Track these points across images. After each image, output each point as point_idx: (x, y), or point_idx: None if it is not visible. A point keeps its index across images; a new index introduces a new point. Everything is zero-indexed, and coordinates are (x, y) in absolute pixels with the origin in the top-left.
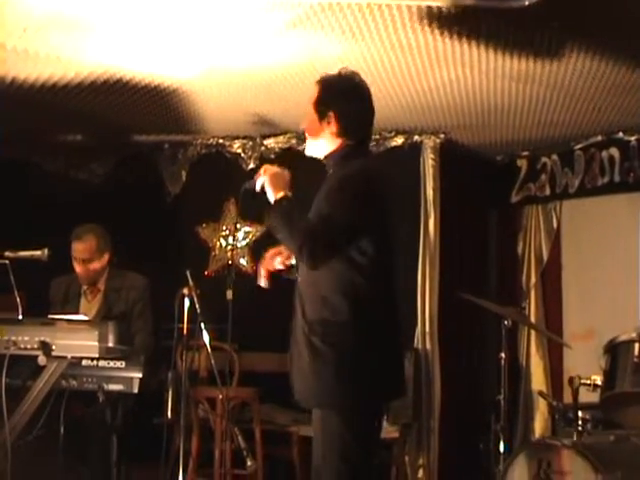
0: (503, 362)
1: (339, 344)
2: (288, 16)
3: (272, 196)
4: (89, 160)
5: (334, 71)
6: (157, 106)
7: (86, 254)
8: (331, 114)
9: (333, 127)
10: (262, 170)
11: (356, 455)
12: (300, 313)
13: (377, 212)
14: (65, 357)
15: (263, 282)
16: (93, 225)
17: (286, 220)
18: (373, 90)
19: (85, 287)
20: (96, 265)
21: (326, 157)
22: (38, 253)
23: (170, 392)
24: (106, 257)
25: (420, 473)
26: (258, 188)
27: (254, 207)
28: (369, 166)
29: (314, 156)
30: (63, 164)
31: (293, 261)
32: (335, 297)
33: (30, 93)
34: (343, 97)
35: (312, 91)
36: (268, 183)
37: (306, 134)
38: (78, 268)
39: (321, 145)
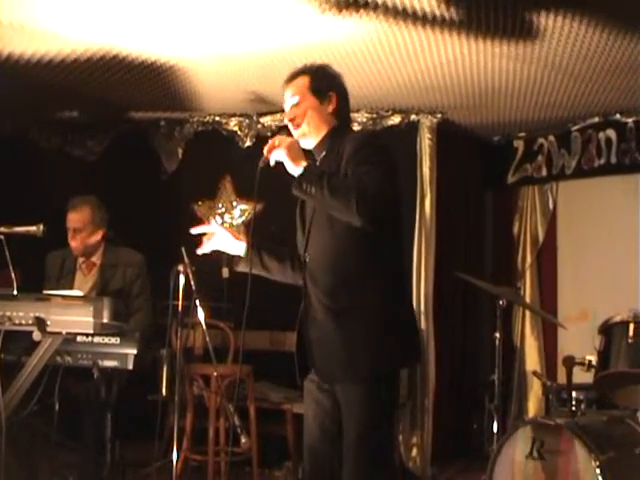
0: (497, 342)
1: (365, 304)
2: None
3: (295, 167)
4: (85, 137)
5: (332, 48)
6: (153, 83)
7: (79, 224)
8: (332, 94)
9: (332, 107)
10: (274, 142)
11: (389, 423)
12: (315, 289)
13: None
14: (60, 333)
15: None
16: (90, 197)
17: (324, 184)
18: (371, 69)
19: (81, 261)
20: (90, 238)
21: (317, 144)
22: (33, 229)
23: (165, 369)
24: (101, 231)
25: (414, 452)
26: (273, 162)
27: (251, 184)
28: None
29: (307, 147)
30: (59, 141)
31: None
32: (353, 258)
33: (26, 69)
34: (336, 78)
35: (298, 82)
36: (287, 156)
37: (302, 126)
38: (72, 239)
39: (319, 131)
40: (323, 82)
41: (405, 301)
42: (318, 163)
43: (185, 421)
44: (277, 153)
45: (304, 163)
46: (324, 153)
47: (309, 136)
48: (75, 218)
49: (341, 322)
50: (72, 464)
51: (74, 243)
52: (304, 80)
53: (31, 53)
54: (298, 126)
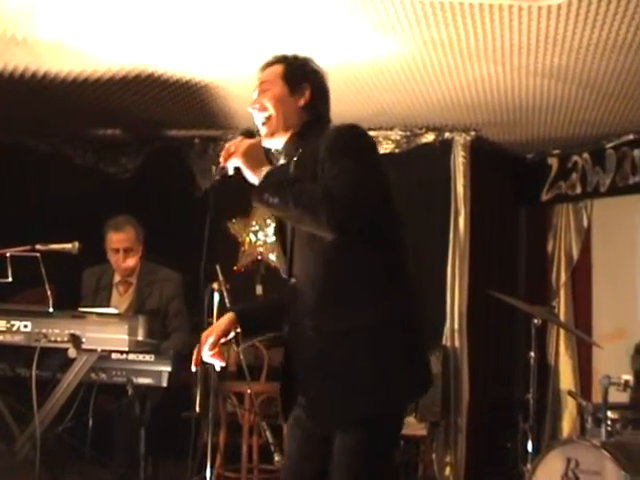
0: (532, 361)
1: (361, 326)
2: (321, 12)
3: (254, 176)
4: (119, 154)
5: (366, 67)
6: (188, 101)
7: (127, 243)
8: (305, 85)
9: (304, 100)
10: (230, 148)
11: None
12: (304, 315)
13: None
14: (95, 350)
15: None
16: (128, 216)
17: (287, 193)
18: (405, 87)
19: (117, 279)
20: (134, 257)
21: (287, 142)
22: (69, 246)
23: (199, 386)
24: (140, 250)
25: (447, 471)
26: (232, 172)
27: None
28: (347, 124)
29: (272, 147)
30: (93, 158)
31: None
32: (352, 280)
33: (62, 87)
34: (316, 73)
35: (271, 69)
36: (243, 162)
37: (267, 116)
38: (116, 259)
39: (287, 124)
40: (298, 72)
41: (410, 323)
42: (292, 168)
43: (219, 438)
44: (234, 160)
45: (265, 169)
46: (298, 155)
47: (276, 130)
48: (121, 238)
49: (337, 346)
50: None
51: (125, 264)
52: (278, 68)
53: (67, 72)
54: (264, 109)
